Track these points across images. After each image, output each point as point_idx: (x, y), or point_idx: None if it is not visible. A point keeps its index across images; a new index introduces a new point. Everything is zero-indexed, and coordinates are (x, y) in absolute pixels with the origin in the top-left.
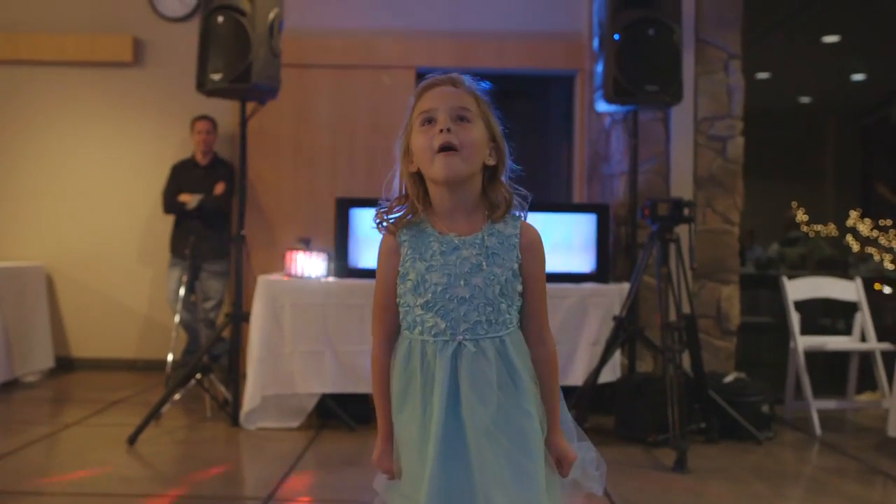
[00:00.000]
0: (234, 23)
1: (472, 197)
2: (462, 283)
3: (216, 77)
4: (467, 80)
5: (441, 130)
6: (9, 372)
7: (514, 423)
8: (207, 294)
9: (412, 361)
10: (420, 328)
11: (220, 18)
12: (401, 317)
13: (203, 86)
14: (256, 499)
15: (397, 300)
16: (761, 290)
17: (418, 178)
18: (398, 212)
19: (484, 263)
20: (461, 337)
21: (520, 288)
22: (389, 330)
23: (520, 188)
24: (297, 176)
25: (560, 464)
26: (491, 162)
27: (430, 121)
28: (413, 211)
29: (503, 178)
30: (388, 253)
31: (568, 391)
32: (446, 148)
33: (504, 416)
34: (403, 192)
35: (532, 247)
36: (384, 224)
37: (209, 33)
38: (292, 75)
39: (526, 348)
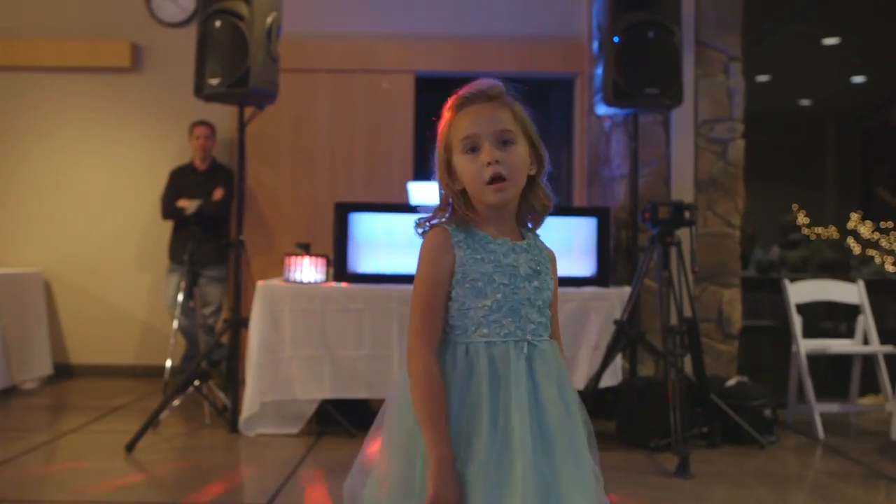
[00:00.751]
0: (232, 27)
1: (514, 206)
2: (526, 284)
3: (214, 82)
4: (501, 88)
5: (489, 164)
6: (7, 379)
7: (573, 418)
8: (206, 300)
9: (478, 367)
10: (486, 329)
11: (218, 23)
12: (453, 320)
13: (201, 91)
14: None
15: (448, 303)
16: (763, 293)
17: (462, 192)
18: (441, 218)
19: (540, 268)
20: (529, 336)
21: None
22: (438, 336)
23: (552, 193)
24: (296, 181)
25: None
26: (532, 172)
27: (473, 149)
28: (458, 219)
29: (543, 181)
30: (443, 251)
31: None
32: (497, 179)
33: (566, 411)
34: (448, 201)
35: (554, 262)
36: (426, 229)
37: (207, 38)
38: (291, 80)
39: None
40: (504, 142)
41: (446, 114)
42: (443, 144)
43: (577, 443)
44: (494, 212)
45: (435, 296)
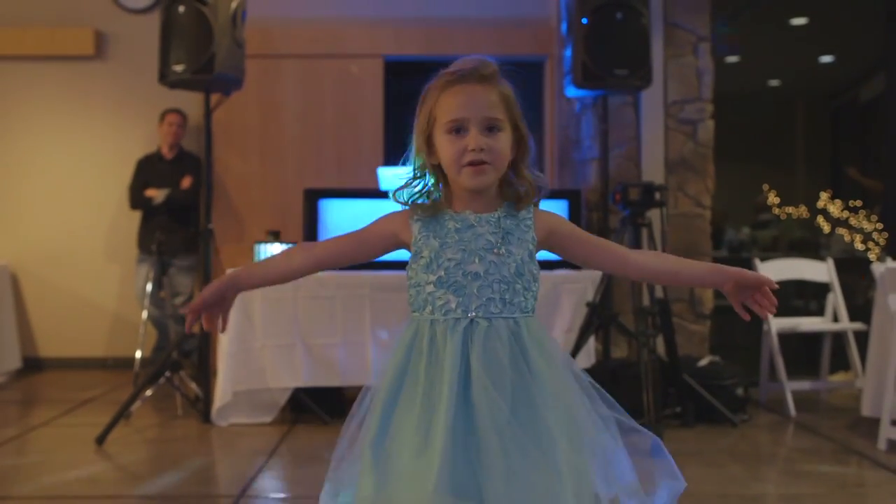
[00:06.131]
0: (196, 12)
1: (492, 190)
2: (476, 259)
3: (178, 68)
4: (495, 68)
5: (472, 150)
6: None
7: (527, 411)
8: (177, 289)
9: (418, 342)
10: (431, 307)
11: (182, 8)
12: (411, 299)
13: (165, 77)
14: (229, 496)
15: (408, 281)
16: None
17: (439, 167)
18: (416, 187)
19: (500, 240)
20: (473, 314)
21: (535, 271)
22: (318, 256)
23: (541, 176)
24: (265, 168)
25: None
26: (512, 157)
27: (458, 130)
28: (430, 194)
29: (527, 169)
30: (397, 218)
31: None
32: (477, 163)
33: (517, 402)
34: (419, 172)
35: (551, 219)
36: (407, 200)
37: (170, 24)
38: (258, 66)
39: (546, 337)
40: (490, 128)
41: (434, 90)
42: (427, 117)
43: (525, 439)
44: (467, 193)
45: (352, 239)
